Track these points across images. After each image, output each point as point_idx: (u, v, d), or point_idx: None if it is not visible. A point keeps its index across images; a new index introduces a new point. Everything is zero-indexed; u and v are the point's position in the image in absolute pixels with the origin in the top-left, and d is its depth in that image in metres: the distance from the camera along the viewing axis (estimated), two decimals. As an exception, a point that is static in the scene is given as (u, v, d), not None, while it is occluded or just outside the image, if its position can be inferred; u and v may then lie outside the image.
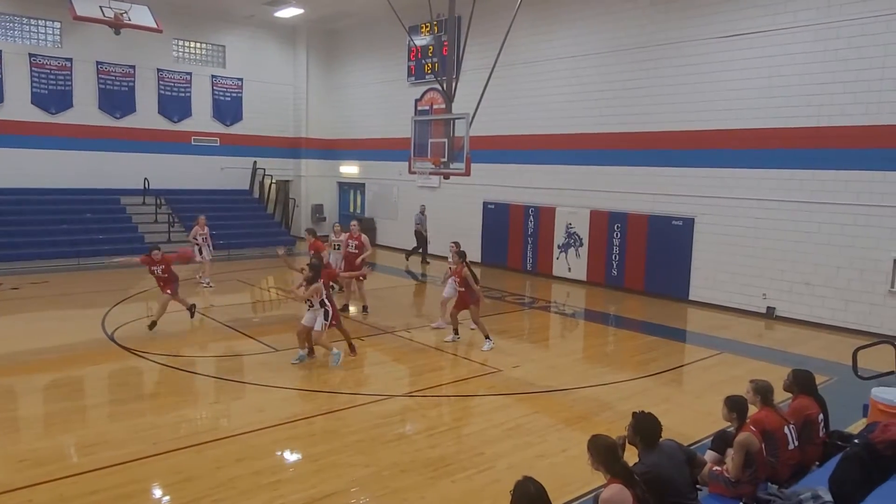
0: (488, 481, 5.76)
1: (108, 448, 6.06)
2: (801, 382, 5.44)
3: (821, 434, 5.28)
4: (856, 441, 4.85)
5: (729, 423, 5.01)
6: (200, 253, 14.65)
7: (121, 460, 5.60)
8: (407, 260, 19.30)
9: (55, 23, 19.03)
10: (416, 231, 19.00)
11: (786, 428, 4.96)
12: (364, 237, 12.70)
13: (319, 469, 5.91)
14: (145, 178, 20.00)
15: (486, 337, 10.14)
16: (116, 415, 7.18)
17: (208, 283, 14.61)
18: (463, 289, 10.21)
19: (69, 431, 6.71)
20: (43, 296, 13.44)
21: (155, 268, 10.87)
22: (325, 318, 8.83)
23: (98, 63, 19.75)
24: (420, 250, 19.11)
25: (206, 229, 14.96)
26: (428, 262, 18.80)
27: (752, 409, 5.04)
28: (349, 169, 24.16)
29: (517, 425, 7.13)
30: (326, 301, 8.88)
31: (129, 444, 5.85)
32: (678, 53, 13.96)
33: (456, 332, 10.48)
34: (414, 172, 13.65)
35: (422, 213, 19.02)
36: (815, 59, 11.89)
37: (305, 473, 5.87)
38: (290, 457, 6.33)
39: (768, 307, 12.82)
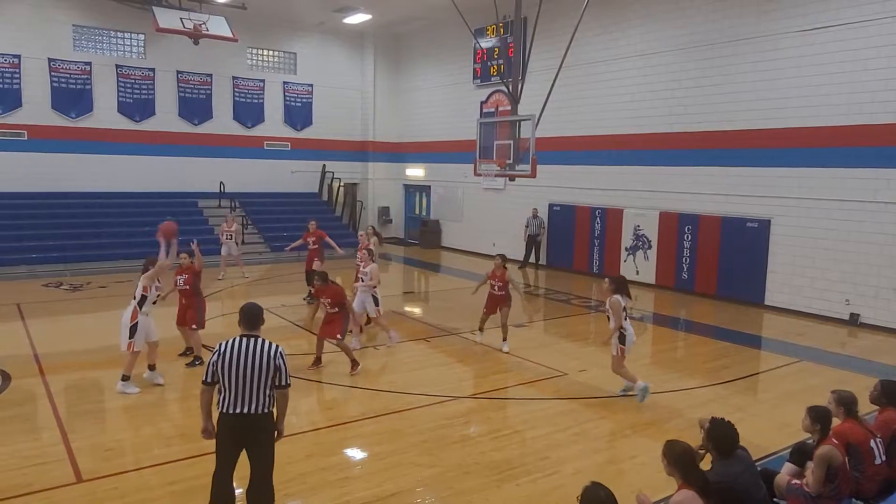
0: (554, 486, 5.70)
1: (187, 441, 6.34)
2: (891, 394, 5.14)
3: (911, 449, 4.98)
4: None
5: (809, 435, 4.79)
6: (225, 248, 15.86)
7: (198, 452, 5.83)
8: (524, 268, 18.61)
9: (139, 35, 20.05)
10: (530, 236, 18.27)
11: (872, 441, 4.70)
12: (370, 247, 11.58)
13: (385, 468, 5.99)
14: (221, 182, 20.82)
15: (505, 339, 10.10)
16: (194, 409, 7.45)
17: (244, 275, 15.84)
18: (502, 293, 9.93)
19: (151, 423, 7.05)
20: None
21: (179, 277, 9.25)
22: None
23: (178, 72, 20.70)
24: (530, 258, 18.53)
25: (235, 226, 16.01)
26: (522, 269, 18.42)
27: (836, 422, 4.80)
28: (415, 171, 24.41)
29: (583, 430, 7.03)
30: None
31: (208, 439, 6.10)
32: (753, 49, 13.44)
33: (481, 329, 10.47)
34: (479, 174, 13.66)
35: (534, 216, 18.27)
36: (905, 51, 11.23)
37: (371, 472, 5.96)
38: (357, 455, 6.45)
39: (851, 314, 12.16)
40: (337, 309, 8.84)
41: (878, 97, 11.60)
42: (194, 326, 9.01)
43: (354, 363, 8.83)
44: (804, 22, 12.60)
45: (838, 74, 12.14)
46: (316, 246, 13.71)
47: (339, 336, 8.81)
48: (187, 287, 9.11)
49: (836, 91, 12.19)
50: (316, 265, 13.08)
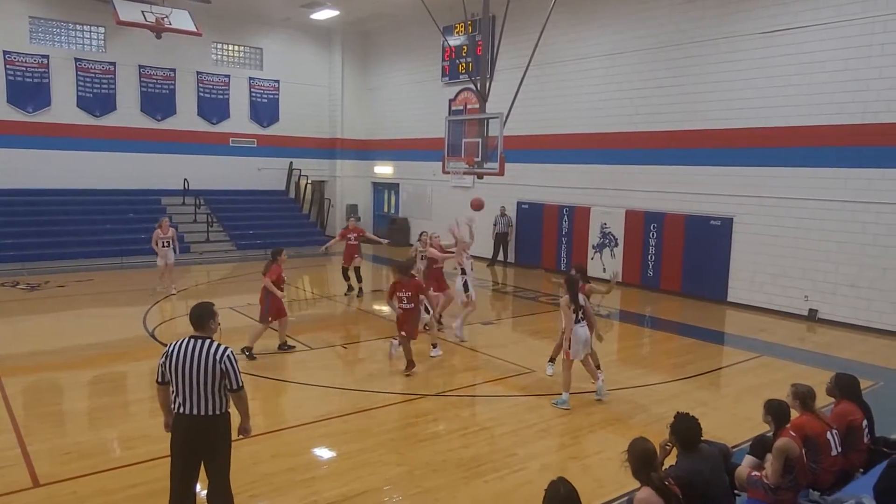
0: (521, 482, 5.73)
1: (149, 442, 6.21)
2: (844, 387, 5.29)
3: (865, 440, 5.13)
4: (902, 448, 4.70)
5: (769, 428, 4.90)
6: (162, 257, 13.55)
7: (161, 454, 5.70)
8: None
9: (100, 28, 19.56)
10: (498, 234, 18.14)
11: (828, 434, 4.83)
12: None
13: (353, 467, 5.96)
14: (185, 179, 20.43)
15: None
16: (157, 410, 7.28)
17: (175, 290, 13.67)
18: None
19: (112, 426, 6.90)
20: (88, 293, 13.84)
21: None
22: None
23: (140, 67, 20.25)
24: (498, 255, 18.41)
25: (171, 231, 13.84)
26: (490, 266, 18.38)
27: (795, 415, 4.92)
28: (383, 169, 24.31)
29: (550, 426, 7.08)
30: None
31: (168, 439, 6.02)
32: (716, 50, 13.69)
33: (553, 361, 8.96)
34: (448, 172, 13.68)
35: (502, 214, 18.18)
36: (861, 53, 11.55)
37: (339, 471, 5.92)
38: (324, 454, 6.39)
39: (810, 309, 12.49)
40: (412, 305, 8.62)
41: (835, 98, 11.92)
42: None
43: (410, 364, 8.63)
44: (764, 24, 12.87)
45: (797, 76, 12.43)
46: (356, 242, 13.69)
47: (408, 334, 8.61)
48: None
49: (795, 92, 12.48)
50: (356, 261, 13.48)
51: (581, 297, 7.74)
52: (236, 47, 22.45)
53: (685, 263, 14.59)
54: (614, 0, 15.71)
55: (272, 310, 9.31)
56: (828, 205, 12.14)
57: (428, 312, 9.63)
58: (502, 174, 11.72)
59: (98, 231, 18.13)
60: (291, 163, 23.40)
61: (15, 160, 18.32)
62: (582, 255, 16.74)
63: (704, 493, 4.12)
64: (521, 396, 8.01)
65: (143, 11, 16.54)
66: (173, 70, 20.84)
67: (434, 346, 9.57)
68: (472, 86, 14.89)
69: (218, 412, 4.45)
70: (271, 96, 23.00)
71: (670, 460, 4.44)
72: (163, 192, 20.50)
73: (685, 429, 4.31)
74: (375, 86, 24.25)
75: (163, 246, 13.57)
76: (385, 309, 12.65)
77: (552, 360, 8.93)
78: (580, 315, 7.66)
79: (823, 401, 5.38)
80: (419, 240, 11.65)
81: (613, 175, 15.96)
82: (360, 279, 13.98)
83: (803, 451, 4.61)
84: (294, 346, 9.72)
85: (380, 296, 13.95)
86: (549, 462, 6.17)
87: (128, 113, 20.18)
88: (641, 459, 3.79)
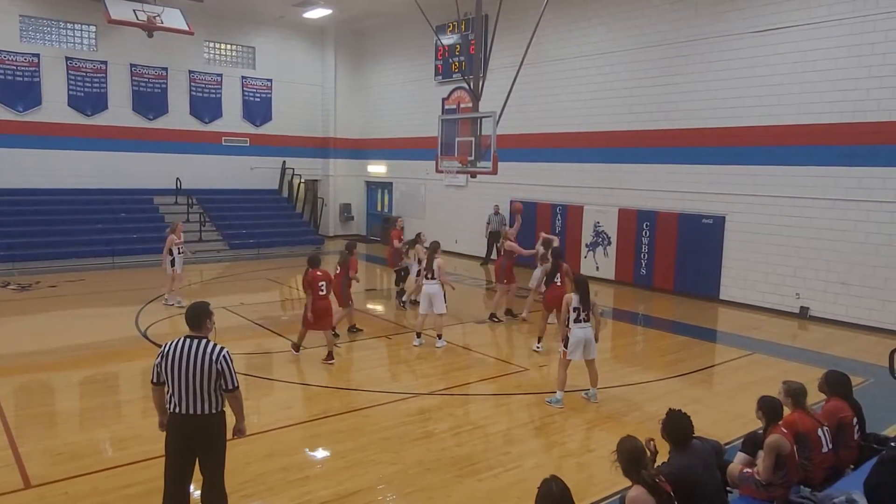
0: (514, 480, 5.74)
1: (142, 443, 6.20)
2: (834, 384, 5.32)
3: (855, 437, 5.16)
4: (892, 444, 4.75)
5: (762, 424, 4.93)
6: (172, 265, 12.57)
7: (153, 455, 5.69)
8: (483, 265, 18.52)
9: (90, 26, 19.46)
10: (491, 233, 18.06)
11: (819, 430, 4.86)
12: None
13: (346, 466, 5.95)
14: (177, 179, 20.36)
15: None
16: (149, 410, 7.28)
17: (179, 303, 12.42)
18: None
19: (104, 426, 6.88)
20: (79, 293, 13.78)
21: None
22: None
23: (132, 65, 20.15)
24: (492, 254, 18.22)
25: (182, 237, 13.01)
26: (484, 265, 18.40)
27: (787, 412, 4.95)
28: (377, 168, 24.29)
29: (544, 424, 7.10)
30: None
31: (162, 439, 6.01)
32: (709, 49, 13.74)
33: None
34: (441, 171, 13.66)
35: (495, 213, 18.15)
36: (852, 52, 11.61)
37: (332, 470, 5.92)
38: (318, 453, 6.38)
39: (802, 307, 12.56)
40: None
41: (827, 97, 11.98)
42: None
43: (296, 346, 9.39)
44: (757, 23, 12.92)
45: (789, 75, 12.49)
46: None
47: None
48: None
49: (787, 91, 12.54)
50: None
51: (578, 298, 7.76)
52: (229, 46, 22.36)
53: (678, 262, 14.64)
54: (607, -1, 15.75)
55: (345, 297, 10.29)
56: (819, 203, 12.20)
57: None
58: (495, 173, 11.72)
59: (89, 231, 18.05)
60: (284, 162, 23.34)
61: (5, 160, 18.21)
62: (575, 253, 16.76)
63: (696, 491, 4.14)
64: (515, 395, 8.03)
65: (134, 10, 16.45)
66: (165, 69, 20.74)
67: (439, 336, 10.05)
68: (465, 85, 14.86)
69: (214, 411, 4.46)
70: (264, 95, 22.93)
71: (661, 458, 4.45)
72: (155, 191, 20.42)
73: (677, 426, 4.32)
74: (368, 85, 24.21)
75: (179, 252, 12.63)
76: (378, 308, 12.65)
77: (540, 338, 9.90)
78: (582, 315, 7.65)
79: (816, 398, 5.42)
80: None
81: (606, 174, 16.00)
82: (401, 280, 13.73)
83: (794, 448, 4.64)
84: (362, 330, 10.77)
85: (372, 295, 13.96)
86: (543, 460, 6.18)
87: (119, 112, 20.07)
88: (630, 458, 3.80)
